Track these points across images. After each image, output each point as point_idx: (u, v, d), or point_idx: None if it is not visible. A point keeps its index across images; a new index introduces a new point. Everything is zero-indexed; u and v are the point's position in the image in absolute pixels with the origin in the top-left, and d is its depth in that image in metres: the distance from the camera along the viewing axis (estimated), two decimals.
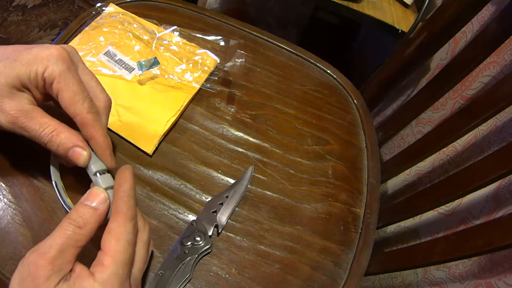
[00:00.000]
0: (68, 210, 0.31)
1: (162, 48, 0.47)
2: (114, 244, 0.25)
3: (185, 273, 0.33)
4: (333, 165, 0.44)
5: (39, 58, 0.27)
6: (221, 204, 0.38)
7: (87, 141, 0.30)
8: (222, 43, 0.49)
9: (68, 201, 0.32)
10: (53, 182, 0.32)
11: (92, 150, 0.30)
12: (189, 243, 0.35)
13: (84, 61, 0.44)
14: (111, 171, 0.30)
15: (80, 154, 0.28)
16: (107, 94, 0.32)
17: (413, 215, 0.49)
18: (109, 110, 0.32)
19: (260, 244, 0.37)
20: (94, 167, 0.29)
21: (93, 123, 0.29)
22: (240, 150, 0.43)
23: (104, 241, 0.25)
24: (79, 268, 0.24)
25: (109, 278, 0.24)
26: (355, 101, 0.51)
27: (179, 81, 0.45)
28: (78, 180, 0.35)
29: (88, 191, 0.27)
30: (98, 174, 0.29)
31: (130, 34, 0.48)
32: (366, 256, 0.39)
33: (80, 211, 0.25)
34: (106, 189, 0.28)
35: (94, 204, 0.26)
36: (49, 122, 0.28)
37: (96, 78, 0.32)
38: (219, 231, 0.37)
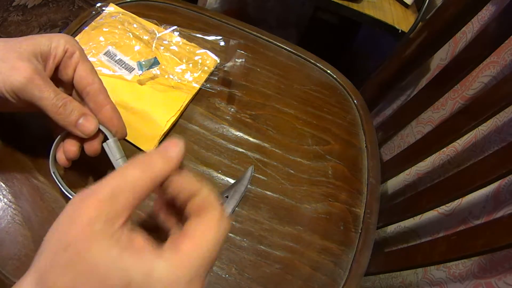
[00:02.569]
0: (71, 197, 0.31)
1: (162, 48, 0.47)
2: (202, 229, 0.20)
3: None
4: (333, 165, 0.44)
5: (59, 35, 0.30)
6: (221, 204, 0.38)
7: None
8: (222, 43, 0.49)
9: (70, 190, 0.32)
10: (52, 173, 0.32)
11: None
12: None
13: None
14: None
15: (90, 123, 0.29)
16: None
17: (413, 215, 0.49)
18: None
19: (260, 244, 0.37)
20: (118, 152, 0.30)
21: (106, 93, 0.31)
22: (240, 150, 0.43)
23: (190, 221, 0.20)
24: (143, 239, 0.19)
25: (181, 264, 0.18)
26: (355, 101, 0.51)
27: (179, 81, 0.45)
28: (76, 175, 0.35)
29: None
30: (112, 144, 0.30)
31: (130, 34, 0.48)
32: (366, 256, 0.39)
33: (145, 155, 0.21)
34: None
35: (168, 154, 0.21)
36: (60, 91, 0.29)
37: None
38: None
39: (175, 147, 0.21)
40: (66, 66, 0.30)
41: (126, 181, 0.19)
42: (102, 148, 0.30)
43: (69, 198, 0.31)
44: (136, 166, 0.20)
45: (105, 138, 0.31)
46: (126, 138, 0.41)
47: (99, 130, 0.30)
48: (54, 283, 0.17)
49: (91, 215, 0.17)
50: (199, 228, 0.20)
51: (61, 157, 0.31)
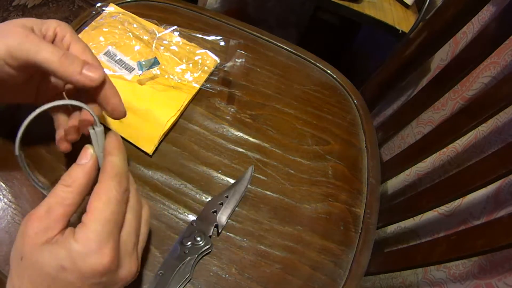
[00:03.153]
0: (36, 184, 0.29)
1: (162, 48, 0.47)
2: (94, 202, 0.24)
3: (185, 273, 0.33)
4: (333, 165, 0.44)
5: (49, 20, 0.30)
6: (221, 204, 0.38)
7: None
8: (222, 43, 0.49)
9: (34, 176, 0.30)
10: (17, 155, 0.29)
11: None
12: (189, 243, 0.35)
13: None
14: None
15: (95, 71, 0.28)
16: None
17: (413, 215, 0.49)
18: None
19: (260, 244, 0.37)
20: (99, 141, 0.28)
21: (101, 69, 0.29)
22: (240, 150, 0.43)
23: (89, 201, 0.25)
24: (68, 231, 0.24)
25: (87, 236, 0.23)
26: (355, 101, 0.51)
27: (179, 81, 0.45)
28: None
29: None
30: (94, 129, 0.28)
31: (130, 34, 0.48)
32: (366, 256, 0.39)
33: (69, 171, 0.25)
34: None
35: (82, 161, 0.26)
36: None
37: None
38: (219, 231, 0.37)
39: (85, 156, 0.26)
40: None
41: (57, 198, 0.24)
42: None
43: (35, 184, 0.29)
44: (62, 183, 0.25)
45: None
46: (126, 138, 0.41)
47: (90, 115, 0.28)
48: (19, 287, 0.23)
49: (34, 230, 0.23)
50: (92, 201, 0.25)
51: (61, 142, 0.32)
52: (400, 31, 0.66)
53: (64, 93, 0.34)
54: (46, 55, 0.27)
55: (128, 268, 0.26)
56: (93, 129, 0.27)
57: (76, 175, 0.25)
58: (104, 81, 0.29)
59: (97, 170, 0.27)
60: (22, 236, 0.23)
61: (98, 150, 0.27)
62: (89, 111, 0.27)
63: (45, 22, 0.29)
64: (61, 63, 0.27)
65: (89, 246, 0.23)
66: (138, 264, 0.27)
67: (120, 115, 0.31)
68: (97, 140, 0.27)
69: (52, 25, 0.29)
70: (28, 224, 0.23)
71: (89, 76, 0.28)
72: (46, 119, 0.33)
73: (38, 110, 0.27)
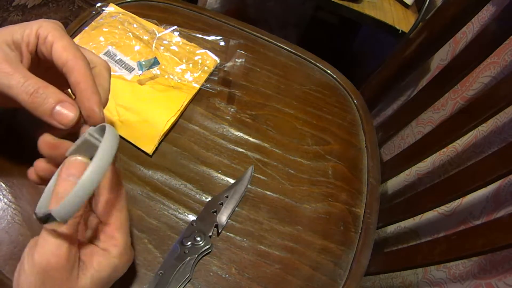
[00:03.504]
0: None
1: (162, 48, 0.47)
2: (119, 216, 0.25)
3: (185, 273, 0.33)
4: (333, 165, 0.44)
5: (35, 21, 0.28)
6: (221, 204, 0.38)
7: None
8: (222, 43, 0.49)
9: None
10: None
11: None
12: (189, 243, 0.35)
13: None
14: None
15: (70, 110, 0.25)
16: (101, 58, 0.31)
17: (413, 215, 0.49)
18: (109, 72, 0.31)
19: (260, 244, 0.37)
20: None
21: (83, 69, 0.26)
22: (240, 150, 0.43)
23: (110, 215, 0.26)
24: (89, 249, 0.25)
25: (122, 250, 0.25)
26: (355, 101, 0.51)
27: (179, 81, 0.45)
28: None
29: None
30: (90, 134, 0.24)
31: (130, 34, 0.48)
32: (366, 256, 0.39)
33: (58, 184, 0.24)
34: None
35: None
36: (34, 76, 0.26)
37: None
38: (219, 231, 0.37)
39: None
40: (43, 53, 0.28)
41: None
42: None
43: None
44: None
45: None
46: (126, 138, 0.41)
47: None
48: None
49: (67, 272, 0.23)
50: (118, 216, 0.26)
51: (31, 173, 0.28)
52: (400, 31, 0.66)
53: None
54: (17, 92, 0.25)
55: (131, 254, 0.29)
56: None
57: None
58: (82, 82, 0.26)
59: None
60: (55, 282, 0.23)
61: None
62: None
63: (27, 27, 0.27)
64: (31, 101, 0.25)
65: (126, 259, 0.27)
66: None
67: (95, 121, 0.27)
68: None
69: (34, 28, 0.27)
70: (59, 267, 0.22)
71: (60, 118, 0.25)
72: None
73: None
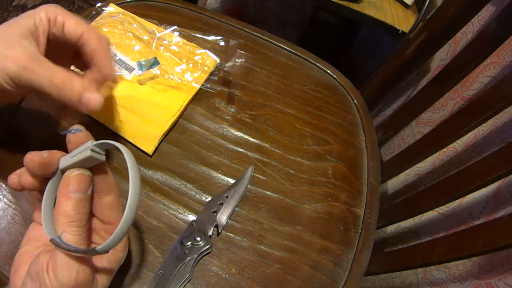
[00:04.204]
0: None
1: (162, 48, 0.47)
2: (120, 215, 0.25)
3: (185, 273, 0.33)
4: (333, 165, 0.44)
5: (39, 8, 0.30)
6: (221, 204, 0.38)
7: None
8: (222, 43, 0.49)
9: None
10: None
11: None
12: (189, 243, 0.35)
13: None
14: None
15: (96, 97, 0.29)
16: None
17: (413, 215, 0.49)
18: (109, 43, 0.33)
19: (260, 244, 0.37)
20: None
21: (98, 38, 0.30)
22: (240, 150, 0.43)
23: (111, 215, 0.27)
24: (100, 262, 0.27)
25: (124, 244, 0.29)
26: (355, 101, 0.51)
27: (179, 81, 0.45)
28: None
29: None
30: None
31: (130, 34, 0.48)
32: (366, 256, 0.39)
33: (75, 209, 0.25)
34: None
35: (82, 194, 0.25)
36: (58, 68, 0.28)
37: None
38: (219, 231, 0.37)
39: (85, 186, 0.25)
40: (55, 33, 0.30)
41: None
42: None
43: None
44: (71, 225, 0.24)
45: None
46: (126, 138, 0.41)
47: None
48: None
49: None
50: (117, 215, 0.28)
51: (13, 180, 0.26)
52: (400, 31, 0.66)
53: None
54: (45, 87, 0.27)
55: None
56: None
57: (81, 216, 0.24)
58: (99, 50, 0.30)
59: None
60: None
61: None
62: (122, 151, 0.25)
63: (35, 15, 0.29)
64: (60, 94, 0.28)
65: (124, 252, 0.29)
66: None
67: (111, 80, 0.32)
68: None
69: (43, 14, 0.29)
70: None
71: (88, 105, 0.29)
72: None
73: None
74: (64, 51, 0.33)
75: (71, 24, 0.30)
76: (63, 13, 0.30)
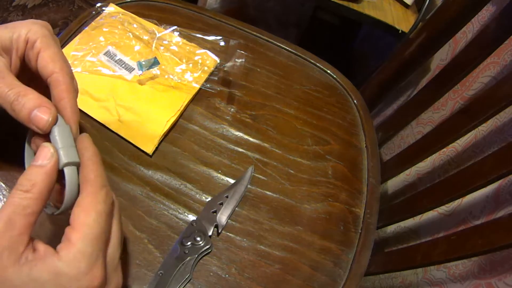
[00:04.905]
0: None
1: (162, 48, 0.47)
2: (82, 217, 0.22)
3: (185, 273, 0.33)
4: (333, 165, 0.44)
5: (23, 23, 0.27)
6: (221, 204, 0.38)
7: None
8: (222, 43, 0.49)
9: None
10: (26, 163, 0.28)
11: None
12: (189, 243, 0.35)
13: (84, 61, 0.44)
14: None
15: (44, 113, 0.25)
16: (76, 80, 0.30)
17: (413, 215, 0.49)
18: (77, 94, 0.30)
19: (260, 244, 0.37)
20: (60, 140, 0.25)
21: (68, 85, 0.27)
22: (240, 150, 0.43)
23: (72, 214, 0.23)
24: (43, 247, 0.22)
25: (75, 256, 0.21)
26: (355, 101, 0.51)
27: (179, 81, 0.45)
28: None
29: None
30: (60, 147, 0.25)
31: (130, 34, 0.48)
32: (366, 256, 0.39)
33: (27, 173, 0.23)
34: (68, 164, 0.24)
35: (39, 162, 0.23)
36: (18, 84, 0.26)
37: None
38: (219, 231, 0.37)
39: (43, 156, 0.23)
40: (30, 58, 0.27)
41: (16, 207, 0.21)
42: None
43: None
44: (21, 189, 0.22)
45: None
46: (126, 138, 0.41)
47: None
48: None
49: None
50: (79, 216, 0.22)
51: None
52: (400, 31, 0.66)
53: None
54: (3, 94, 0.25)
55: (116, 282, 0.25)
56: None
57: (36, 178, 0.22)
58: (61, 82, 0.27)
59: (57, 172, 0.24)
60: None
61: (62, 148, 0.25)
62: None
63: (15, 30, 0.27)
64: (12, 109, 0.25)
65: (79, 268, 0.21)
66: (121, 274, 0.26)
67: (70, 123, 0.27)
68: (59, 138, 0.25)
69: (23, 33, 0.27)
70: None
71: (36, 122, 0.25)
72: None
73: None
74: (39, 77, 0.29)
75: (45, 57, 0.27)
76: (44, 39, 0.27)
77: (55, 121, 0.25)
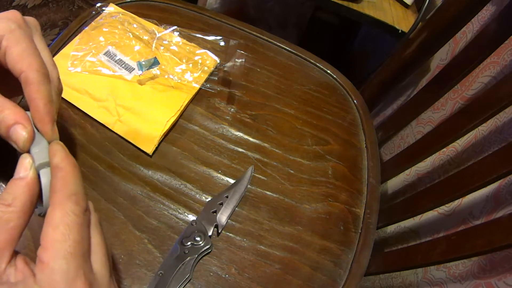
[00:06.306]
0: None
1: (162, 48, 0.47)
2: (50, 232, 0.20)
3: (185, 273, 0.33)
4: (333, 165, 0.44)
5: None
6: (221, 204, 0.38)
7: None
8: (222, 43, 0.49)
9: None
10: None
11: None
12: (189, 243, 0.35)
13: (84, 61, 0.44)
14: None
15: (20, 133, 0.23)
16: (57, 70, 0.28)
17: (413, 215, 0.49)
18: (57, 86, 0.27)
19: (260, 244, 0.37)
20: (36, 155, 0.24)
21: (38, 83, 0.24)
22: (240, 150, 0.43)
23: (42, 232, 0.21)
24: (22, 267, 0.21)
25: (50, 277, 0.19)
26: (355, 101, 0.51)
27: (179, 81, 0.45)
28: None
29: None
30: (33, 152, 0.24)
31: (130, 34, 0.48)
32: (366, 256, 0.39)
33: (8, 187, 0.22)
34: (40, 166, 0.23)
35: (20, 174, 0.22)
36: None
37: (49, 52, 0.28)
38: (219, 231, 0.37)
39: (23, 167, 0.22)
40: (0, 57, 0.25)
41: None
42: None
43: None
44: (2, 202, 0.21)
45: None
46: (126, 138, 0.41)
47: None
48: None
49: None
50: (47, 233, 0.21)
51: None
52: (400, 31, 0.66)
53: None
54: None
55: None
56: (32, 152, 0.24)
57: (17, 191, 0.21)
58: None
59: (39, 184, 0.23)
60: None
61: (40, 160, 0.23)
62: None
63: None
64: None
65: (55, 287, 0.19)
66: None
67: (47, 139, 0.25)
68: (36, 149, 0.24)
69: None
70: None
71: (15, 140, 0.24)
72: None
73: None
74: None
75: (13, 54, 0.24)
76: (11, 35, 0.24)
77: (32, 140, 0.24)
